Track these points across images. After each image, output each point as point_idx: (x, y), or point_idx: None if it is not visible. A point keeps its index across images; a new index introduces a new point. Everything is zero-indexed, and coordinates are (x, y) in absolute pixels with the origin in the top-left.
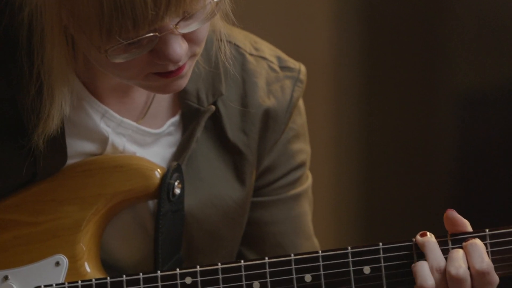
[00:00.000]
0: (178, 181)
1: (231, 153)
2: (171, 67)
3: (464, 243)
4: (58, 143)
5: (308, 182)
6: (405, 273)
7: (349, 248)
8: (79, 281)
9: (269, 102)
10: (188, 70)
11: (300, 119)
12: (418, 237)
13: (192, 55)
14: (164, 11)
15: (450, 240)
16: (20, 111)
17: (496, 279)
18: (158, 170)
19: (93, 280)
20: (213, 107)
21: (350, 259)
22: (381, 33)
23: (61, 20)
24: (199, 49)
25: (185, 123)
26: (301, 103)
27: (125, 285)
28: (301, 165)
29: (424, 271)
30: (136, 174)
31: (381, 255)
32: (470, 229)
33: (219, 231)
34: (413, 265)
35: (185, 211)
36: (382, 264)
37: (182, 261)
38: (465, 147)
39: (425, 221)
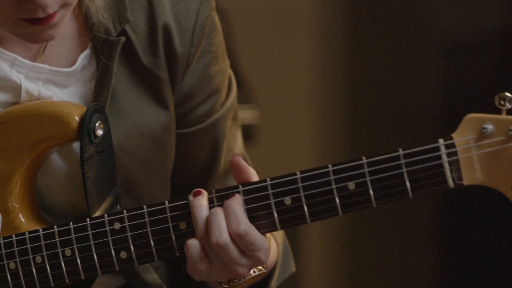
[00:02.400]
0: (99, 121)
1: (148, 78)
2: (40, 13)
3: (225, 201)
4: None
5: (231, 97)
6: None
7: (298, 173)
8: (13, 236)
9: (172, 22)
10: (60, 20)
11: (218, 39)
12: (190, 196)
13: (64, 4)
14: None
15: (215, 197)
16: None
17: (258, 238)
18: (76, 114)
19: (26, 233)
20: (123, 38)
21: (300, 183)
22: None
23: None
24: None
25: (97, 55)
26: (216, 20)
27: (57, 236)
28: (221, 87)
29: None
30: (55, 121)
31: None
32: (255, 178)
33: (150, 158)
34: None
35: (114, 145)
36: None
37: (120, 195)
38: (449, 93)
39: None
